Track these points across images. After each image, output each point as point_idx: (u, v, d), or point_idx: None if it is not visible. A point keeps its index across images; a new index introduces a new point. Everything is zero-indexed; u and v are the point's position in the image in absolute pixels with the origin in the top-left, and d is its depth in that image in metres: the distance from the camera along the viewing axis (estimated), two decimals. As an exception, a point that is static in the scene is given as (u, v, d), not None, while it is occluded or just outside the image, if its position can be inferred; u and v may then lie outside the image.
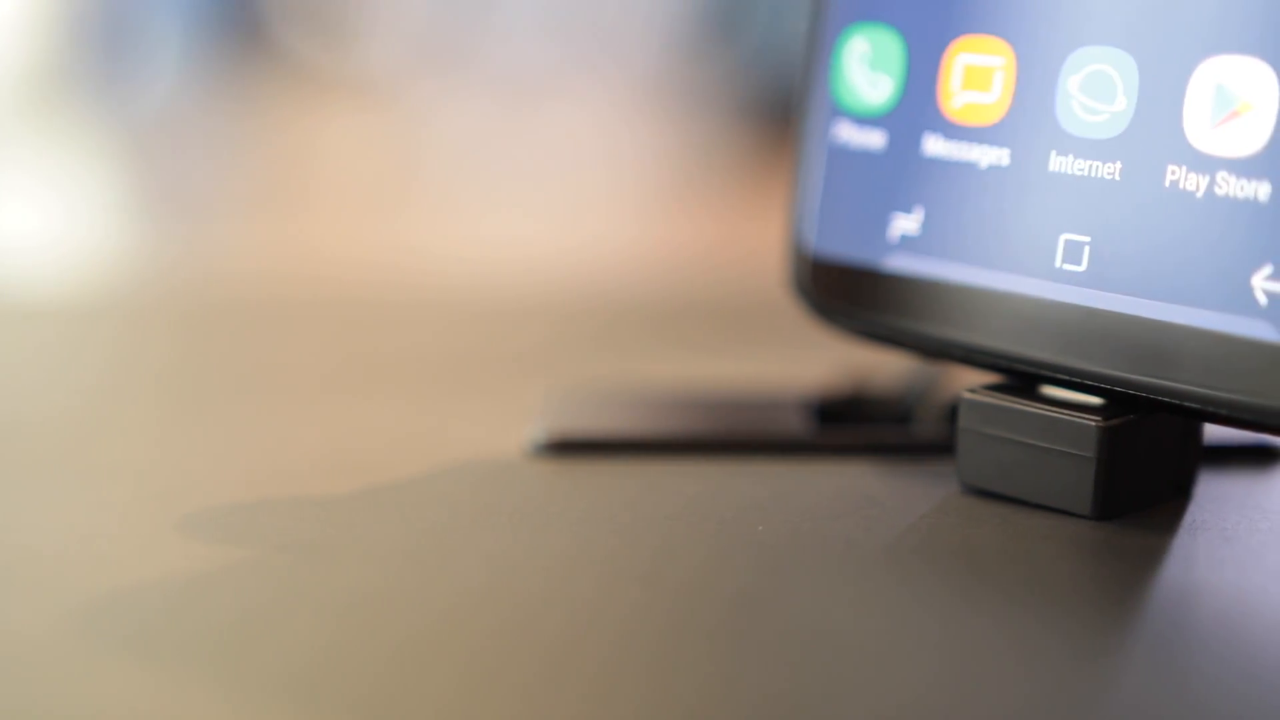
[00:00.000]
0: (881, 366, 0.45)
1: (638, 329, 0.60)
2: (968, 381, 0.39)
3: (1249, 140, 0.34)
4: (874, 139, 0.40)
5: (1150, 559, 0.35)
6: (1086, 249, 0.36)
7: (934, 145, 0.39)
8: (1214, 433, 0.40)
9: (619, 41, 2.00)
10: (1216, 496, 0.38)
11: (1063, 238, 0.37)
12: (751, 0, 1.93)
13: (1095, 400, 0.37)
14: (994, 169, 0.38)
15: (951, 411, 0.40)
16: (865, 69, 0.40)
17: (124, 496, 0.39)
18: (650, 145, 1.59)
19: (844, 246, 0.41)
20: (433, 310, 0.63)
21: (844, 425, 0.43)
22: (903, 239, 0.39)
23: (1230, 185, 0.34)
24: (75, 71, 1.93)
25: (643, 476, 0.40)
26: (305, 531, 0.36)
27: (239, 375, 0.53)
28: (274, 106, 1.76)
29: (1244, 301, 0.34)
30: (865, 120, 0.40)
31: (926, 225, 0.39)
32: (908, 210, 0.39)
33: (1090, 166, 0.36)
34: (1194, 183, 0.35)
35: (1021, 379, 0.38)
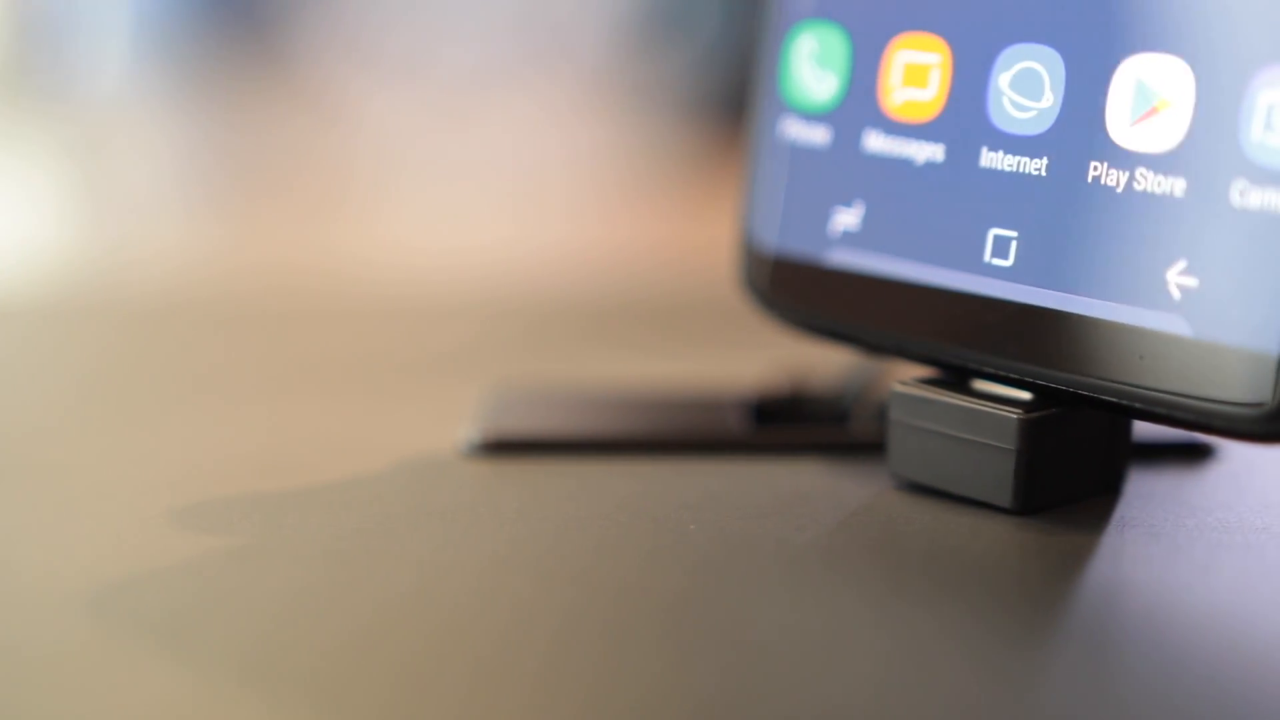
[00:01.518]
0: (820, 365, 0.45)
1: (580, 328, 0.60)
2: (914, 374, 0.39)
3: (1166, 136, 0.34)
4: (819, 135, 0.41)
5: (1079, 555, 0.35)
6: (1014, 244, 0.37)
7: (874, 141, 0.40)
8: (1145, 429, 0.40)
9: (570, 38, 2.00)
10: (1146, 493, 0.38)
11: (992, 233, 0.37)
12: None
13: (1023, 394, 0.37)
14: (930, 165, 0.38)
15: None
16: (812, 66, 0.41)
17: (53, 498, 0.40)
18: (599, 143, 1.58)
19: (791, 242, 0.41)
20: (374, 310, 0.63)
21: (780, 424, 0.43)
22: (844, 234, 0.40)
23: (1148, 181, 0.35)
24: (19, 68, 1.94)
25: (577, 476, 0.40)
26: (235, 532, 0.37)
27: (174, 377, 0.53)
28: (222, 106, 1.77)
29: (1159, 296, 0.34)
30: (811, 117, 0.41)
31: (866, 220, 0.40)
32: (849, 205, 0.40)
33: (1019, 162, 0.37)
34: (1115, 178, 0.35)
35: (954, 373, 0.38)
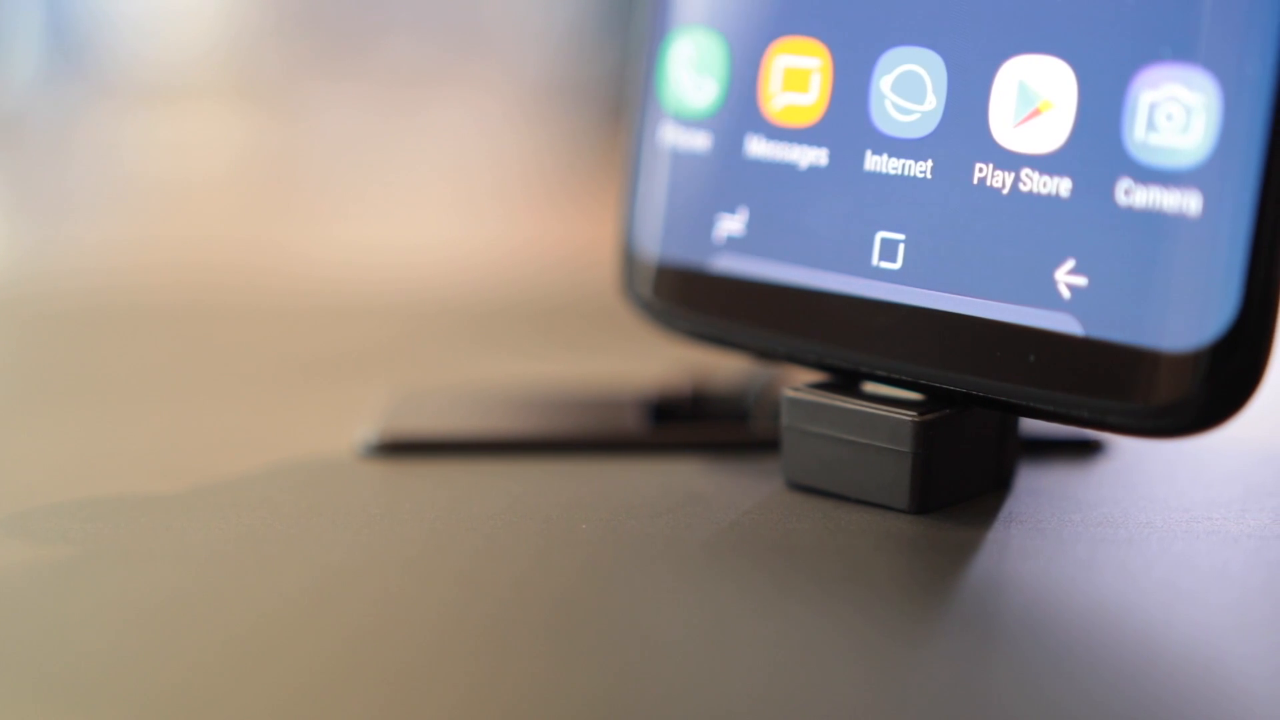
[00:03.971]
0: (722, 365, 0.45)
1: (490, 329, 0.60)
2: (808, 379, 0.39)
3: (1050, 137, 0.35)
4: (699, 141, 0.40)
5: (965, 551, 0.35)
6: (902, 247, 0.37)
7: (756, 146, 0.40)
8: (1035, 426, 0.40)
9: (497, 40, 1.99)
10: (1034, 490, 0.39)
11: (879, 236, 0.37)
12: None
13: (914, 396, 0.37)
14: (813, 169, 0.38)
15: (781, 410, 0.41)
16: (690, 72, 0.41)
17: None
18: (522, 145, 1.58)
19: (672, 249, 0.41)
20: (281, 311, 0.63)
21: (678, 423, 0.43)
22: (728, 240, 0.40)
23: (1034, 182, 0.35)
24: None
25: (472, 477, 0.40)
26: (121, 533, 0.36)
27: (76, 377, 0.52)
28: (142, 104, 1.74)
29: (1049, 296, 0.35)
30: (691, 123, 0.41)
31: (750, 226, 0.40)
32: (732, 211, 0.40)
33: (903, 165, 0.37)
34: (1000, 180, 0.36)
35: (845, 377, 0.38)
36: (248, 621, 0.32)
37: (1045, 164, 0.35)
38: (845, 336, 0.38)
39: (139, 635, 0.31)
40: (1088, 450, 0.41)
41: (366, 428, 0.43)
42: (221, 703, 0.28)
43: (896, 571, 0.35)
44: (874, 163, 0.37)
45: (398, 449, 0.42)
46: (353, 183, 1.32)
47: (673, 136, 0.41)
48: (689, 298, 0.41)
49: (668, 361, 0.47)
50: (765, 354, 0.40)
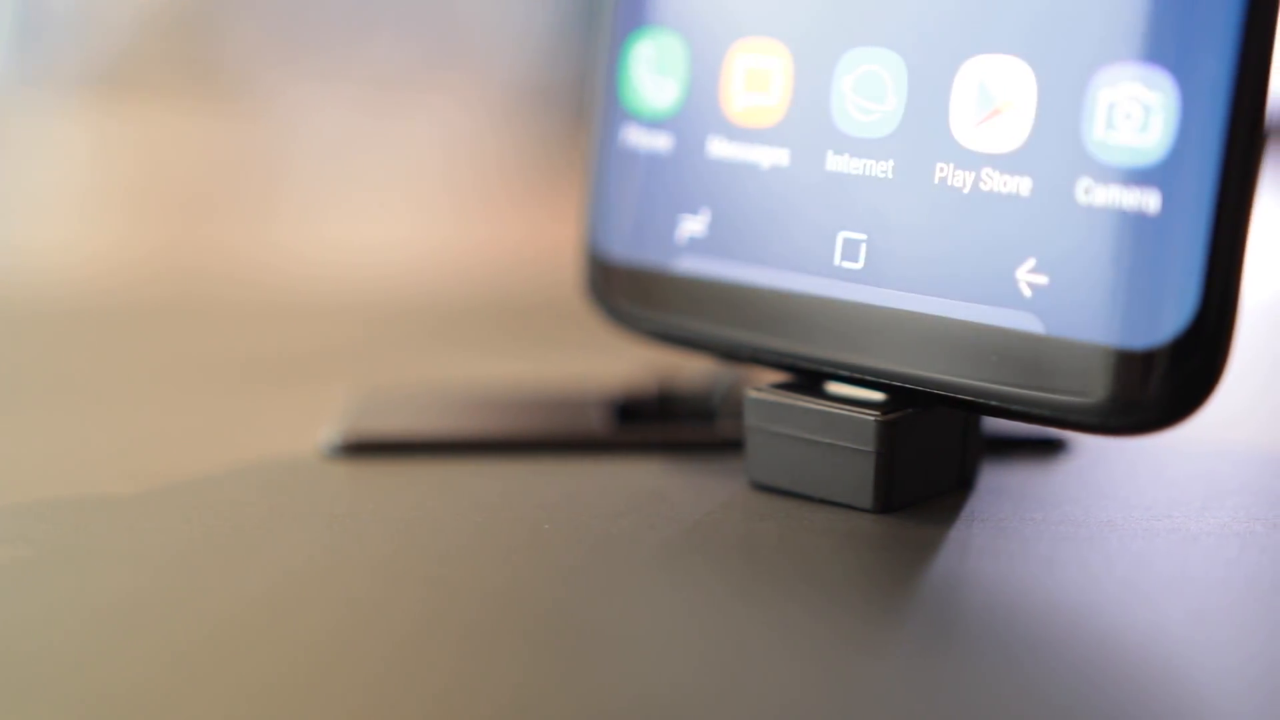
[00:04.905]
0: (688, 365, 0.45)
1: (457, 329, 0.60)
2: (774, 379, 0.39)
3: (1010, 137, 0.35)
4: (661, 142, 0.40)
5: (926, 550, 0.35)
6: (863, 246, 0.37)
7: (718, 147, 0.40)
8: (999, 425, 0.40)
9: (467, 42, 1.99)
10: (996, 488, 0.39)
11: (841, 235, 0.37)
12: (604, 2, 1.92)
13: (877, 395, 0.37)
14: (775, 169, 0.39)
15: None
16: (651, 73, 0.41)
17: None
18: (490, 145, 1.58)
19: (635, 250, 0.41)
20: (246, 311, 0.63)
21: (644, 423, 0.43)
22: (690, 241, 0.40)
23: (994, 181, 0.35)
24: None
25: (437, 477, 0.40)
26: (81, 535, 0.36)
27: (37, 378, 0.52)
28: (123, 103, 1.74)
29: (1010, 294, 0.35)
30: (652, 123, 0.41)
31: (713, 227, 0.40)
32: (694, 212, 0.40)
33: (865, 165, 0.37)
34: (961, 179, 0.36)
35: (808, 377, 0.38)
36: (207, 624, 0.32)
37: (1006, 163, 0.35)
38: (808, 336, 0.38)
39: (98, 637, 0.31)
40: (1051, 449, 0.42)
41: (331, 428, 0.43)
42: (180, 706, 0.28)
43: (858, 570, 0.35)
44: (835, 163, 0.38)
45: (362, 449, 0.41)
46: (319, 183, 1.32)
47: (634, 137, 0.41)
48: (651, 299, 0.41)
49: (635, 361, 0.47)
50: (728, 354, 0.40)
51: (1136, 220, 0.33)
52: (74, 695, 0.29)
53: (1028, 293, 0.35)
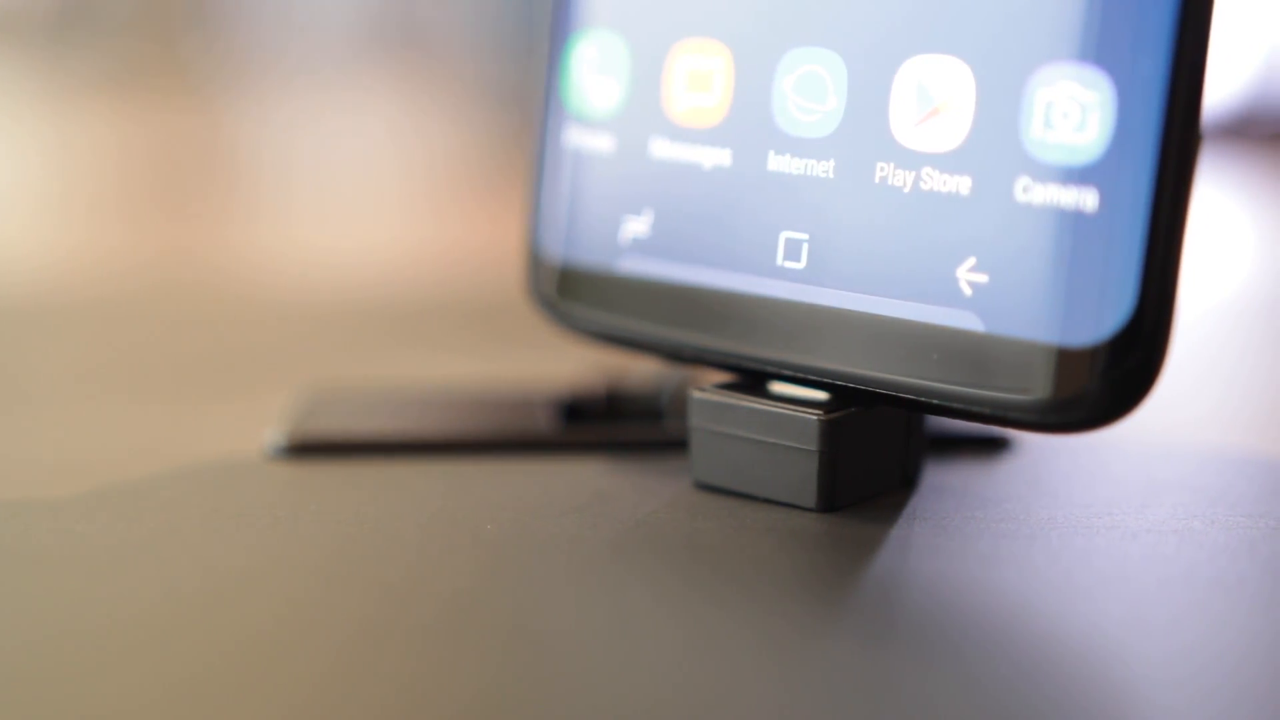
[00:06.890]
0: (637, 365, 0.45)
1: (405, 329, 0.60)
2: (721, 378, 0.39)
3: (949, 136, 0.35)
4: (603, 143, 0.41)
5: (868, 548, 0.35)
6: (805, 246, 0.37)
7: (660, 148, 0.40)
8: (942, 424, 0.40)
9: (421, 40, 1.99)
10: (939, 487, 0.39)
11: (783, 235, 0.37)
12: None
13: (820, 395, 0.37)
14: (717, 170, 0.39)
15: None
16: (593, 73, 0.41)
17: None
18: (439, 145, 1.58)
19: (577, 251, 0.41)
20: (192, 310, 0.63)
21: (590, 423, 0.43)
22: (634, 241, 0.40)
23: (934, 180, 0.35)
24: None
25: (381, 478, 0.40)
26: (16, 538, 0.36)
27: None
28: (73, 103, 1.73)
29: (951, 293, 0.35)
30: (594, 124, 0.41)
31: (656, 227, 0.40)
32: (637, 213, 0.40)
33: (806, 165, 0.37)
34: (901, 179, 0.36)
35: (752, 377, 0.39)
36: (143, 624, 0.31)
37: (945, 162, 0.35)
38: (751, 336, 0.38)
39: (33, 638, 0.31)
40: (994, 448, 0.42)
41: (275, 429, 0.42)
42: (115, 707, 0.28)
43: (801, 569, 0.35)
44: (777, 163, 0.38)
45: (307, 450, 0.41)
46: (267, 183, 1.31)
47: (576, 138, 0.41)
48: (594, 299, 0.41)
49: (584, 362, 0.47)
50: (672, 355, 0.40)
51: (1074, 218, 0.33)
52: (11, 697, 0.28)
53: (968, 291, 0.35)
